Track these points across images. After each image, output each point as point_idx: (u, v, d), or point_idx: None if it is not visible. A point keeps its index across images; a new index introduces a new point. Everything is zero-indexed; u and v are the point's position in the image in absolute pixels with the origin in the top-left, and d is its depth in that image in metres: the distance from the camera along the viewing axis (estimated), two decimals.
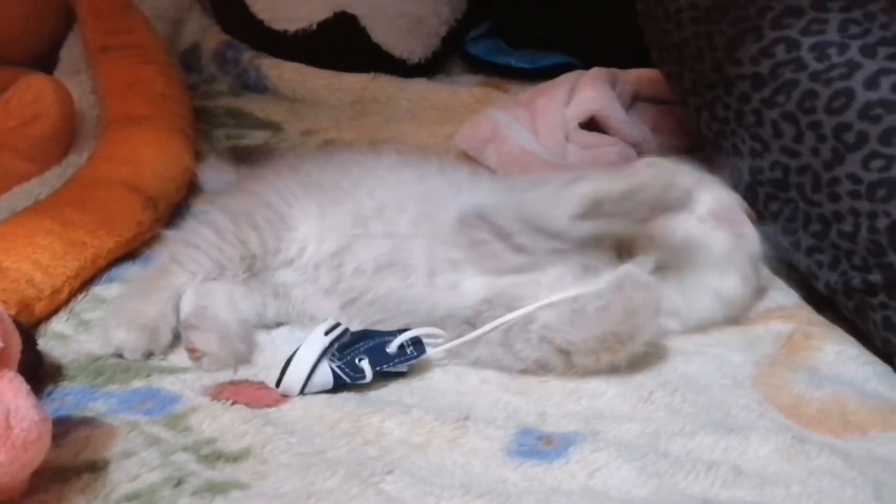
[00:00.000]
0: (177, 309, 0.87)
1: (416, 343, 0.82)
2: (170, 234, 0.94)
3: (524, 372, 0.83)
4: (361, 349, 0.80)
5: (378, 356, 0.80)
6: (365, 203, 0.92)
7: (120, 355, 0.83)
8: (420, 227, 0.89)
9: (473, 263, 0.86)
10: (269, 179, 0.98)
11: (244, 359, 0.84)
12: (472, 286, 0.86)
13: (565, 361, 0.82)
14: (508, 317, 0.81)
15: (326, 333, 0.80)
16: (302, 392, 0.79)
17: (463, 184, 0.95)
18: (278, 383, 0.79)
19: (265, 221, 0.91)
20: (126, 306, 0.86)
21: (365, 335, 0.82)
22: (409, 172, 0.95)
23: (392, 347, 0.81)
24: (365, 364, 0.79)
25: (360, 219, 0.91)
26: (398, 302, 0.86)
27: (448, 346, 0.83)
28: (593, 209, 0.79)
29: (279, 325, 0.91)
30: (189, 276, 0.88)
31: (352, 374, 0.79)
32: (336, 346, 0.79)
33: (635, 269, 0.82)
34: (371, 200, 0.92)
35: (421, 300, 0.86)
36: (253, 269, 0.91)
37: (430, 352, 0.83)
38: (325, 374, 0.79)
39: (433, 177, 0.95)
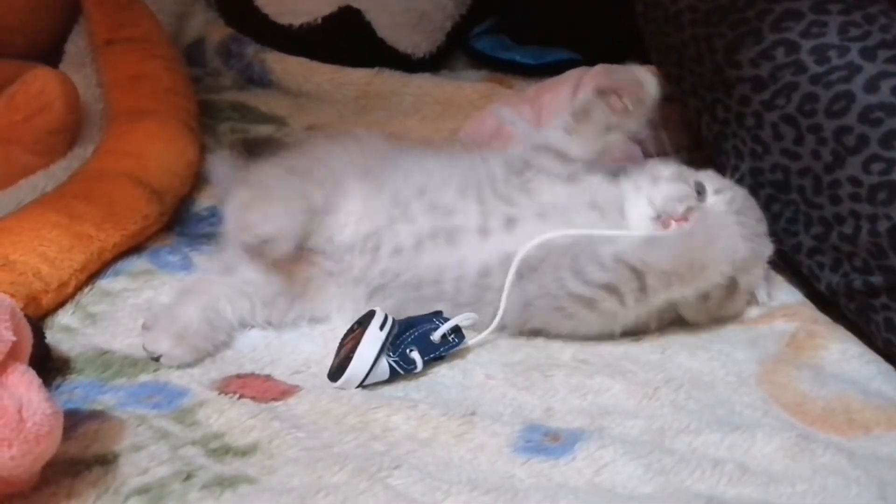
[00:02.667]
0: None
1: (457, 331, 0.85)
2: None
3: (579, 302, 0.85)
4: (409, 340, 0.83)
5: (425, 346, 0.84)
6: (402, 187, 0.92)
7: None
8: (468, 192, 0.91)
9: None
10: (318, 155, 0.97)
11: (204, 356, 0.84)
12: (529, 227, 0.88)
13: (638, 286, 0.83)
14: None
15: (381, 328, 0.82)
16: (360, 386, 0.80)
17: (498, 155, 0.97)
18: (334, 376, 0.81)
19: (319, 186, 0.91)
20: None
21: (409, 324, 0.85)
22: (443, 155, 0.98)
23: (436, 336, 0.84)
24: (416, 355, 0.83)
25: (399, 202, 0.91)
26: (438, 274, 0.88)
27: (496, 320, 0.86)
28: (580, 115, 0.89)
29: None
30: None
31: (405, 366, 0.82)
32: (389, 339, 0.82)
33: (721, 206, 0.88)
34: (408, 184, 0.93)
35: (470, 258, 0.88)
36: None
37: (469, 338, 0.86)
38: (382, 369, 0.81)
39: (465, 154, 0.98)
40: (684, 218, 0.88)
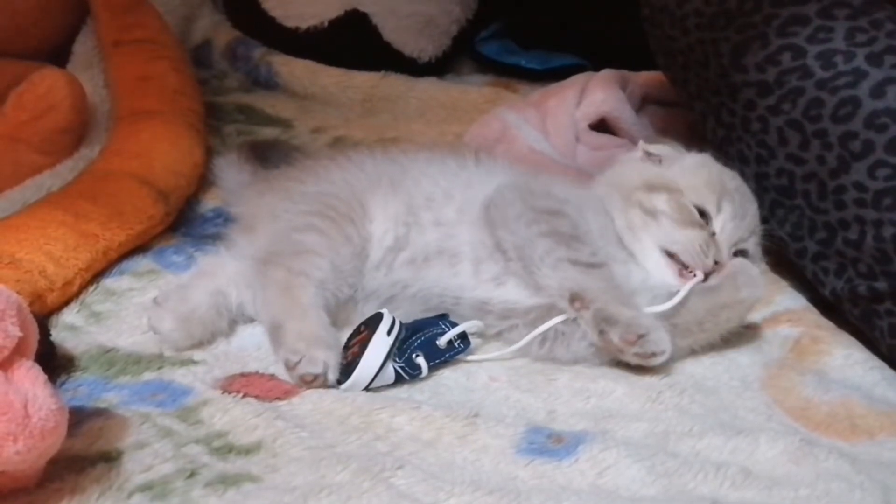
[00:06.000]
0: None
1: (463, 337, 0.85)
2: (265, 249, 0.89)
3: (613, 361, 0.85)
4: (415, 344, 0.83)
5: (431, 351, 0.83)
6: (413, 193, 0.93)
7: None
8: (465, 213, 0.91)
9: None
10: (334, 175, 0.96)
11: (197, 344, 0.85)
12: (517, 286, 0.88)
13: None
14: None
15: (388, 333, 0.81)
16: (366, 389, 0.80)
17: (499, 173, 0.96)
18: (339, 379, 0.80)
19: (349, 210, 0.91)
20: (300, 331, 0.81)
21: (416, 328, 0.84)
22: (450, 162, 0.97)
23: (442, 342, 0.84)
24: (421, 360, 0.83)
25: (412, 209, 0.92)
26: (443, 291, 0.88)
27: (518, 345, 0.85)
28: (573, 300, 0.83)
29: None
30: (318, 285, 0.85)
31: (411, 371, 0.82)
32: (396, 344, 0.81)
33: (748, 264, 0.88)
34: (419, 190, 0.93)
35: (468, 289, 0.88)
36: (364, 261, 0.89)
37: (474, 343, 0.87)
38: (388, 374, 0.81)
39: (471, 166, 0.97)
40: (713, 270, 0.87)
